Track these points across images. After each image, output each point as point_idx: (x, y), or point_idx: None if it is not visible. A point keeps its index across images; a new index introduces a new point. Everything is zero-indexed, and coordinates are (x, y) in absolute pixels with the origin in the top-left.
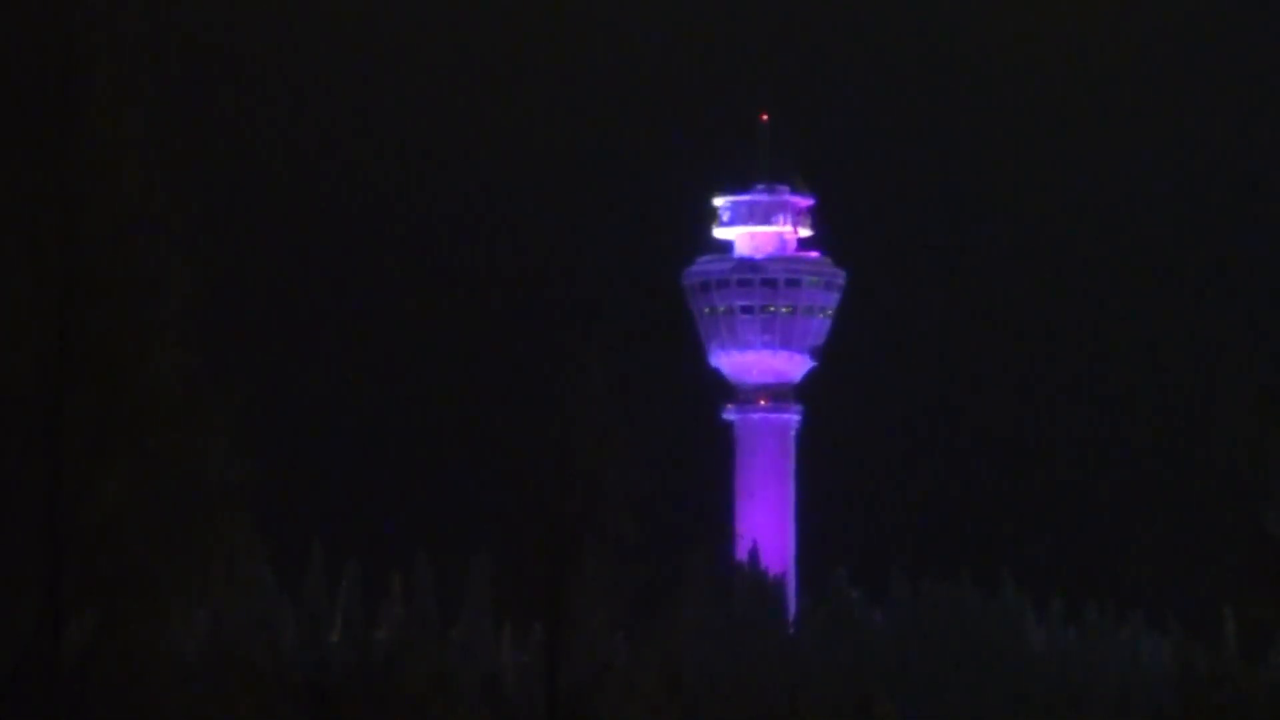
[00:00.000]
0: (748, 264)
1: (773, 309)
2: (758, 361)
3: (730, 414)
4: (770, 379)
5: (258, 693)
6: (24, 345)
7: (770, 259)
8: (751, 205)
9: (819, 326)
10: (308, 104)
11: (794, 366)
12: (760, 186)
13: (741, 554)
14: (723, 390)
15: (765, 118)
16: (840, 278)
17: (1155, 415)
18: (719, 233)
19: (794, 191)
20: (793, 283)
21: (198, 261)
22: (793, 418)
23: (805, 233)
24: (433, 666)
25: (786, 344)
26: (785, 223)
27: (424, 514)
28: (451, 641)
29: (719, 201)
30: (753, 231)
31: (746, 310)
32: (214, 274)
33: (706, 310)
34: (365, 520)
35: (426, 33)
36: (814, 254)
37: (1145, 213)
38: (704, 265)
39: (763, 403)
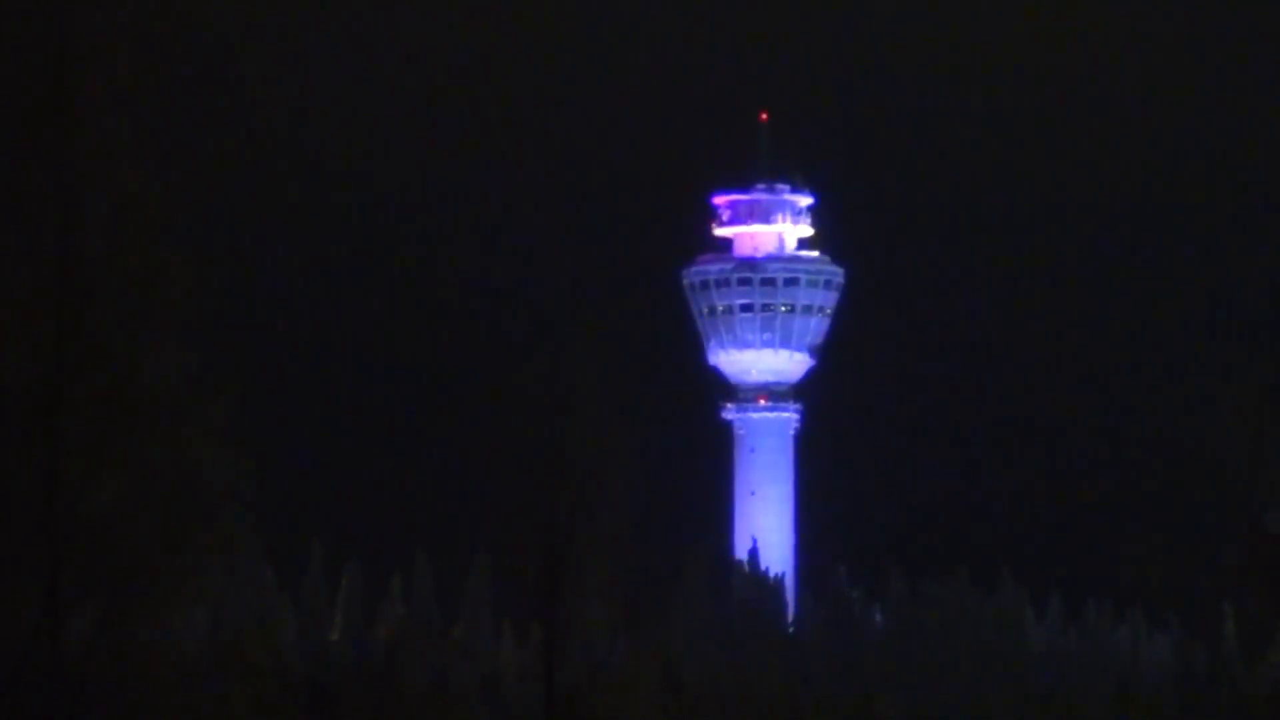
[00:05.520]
0: (747, 263)
1: (772, 308)
2: (757, 360)
3: (730, 413)
4: (769, 378)
5: (257, 691)
6: (22, 343)
7: (770, 258)
8: (751, 204)
9: (818, 325)
10: (307, 102)
11: (793, 366)
12: (760, 186)
13: (741, 554)
14: (722, 390)
15: (765, 118)
16: (840, 277)
17: (1155, 414)
18: (719, 232)
19: (794, 190)
20: (792, 282)
21: (197, 261)
22: (792, 417)
23: (805, 232)
24: (432, 666)
25: (786, 343)
26: (785, 222)
27: (424, 514)
28: (451, 641)
29: (719, 200)
30: (752, 231)
31: (746, 309)
32: (213, 274)
33: (706, 309)
34: (365, 520)
35: (426, 31)
36: (814, 254)
37: (1146, 212)
38: (704, 265)
39: (762, 402)
